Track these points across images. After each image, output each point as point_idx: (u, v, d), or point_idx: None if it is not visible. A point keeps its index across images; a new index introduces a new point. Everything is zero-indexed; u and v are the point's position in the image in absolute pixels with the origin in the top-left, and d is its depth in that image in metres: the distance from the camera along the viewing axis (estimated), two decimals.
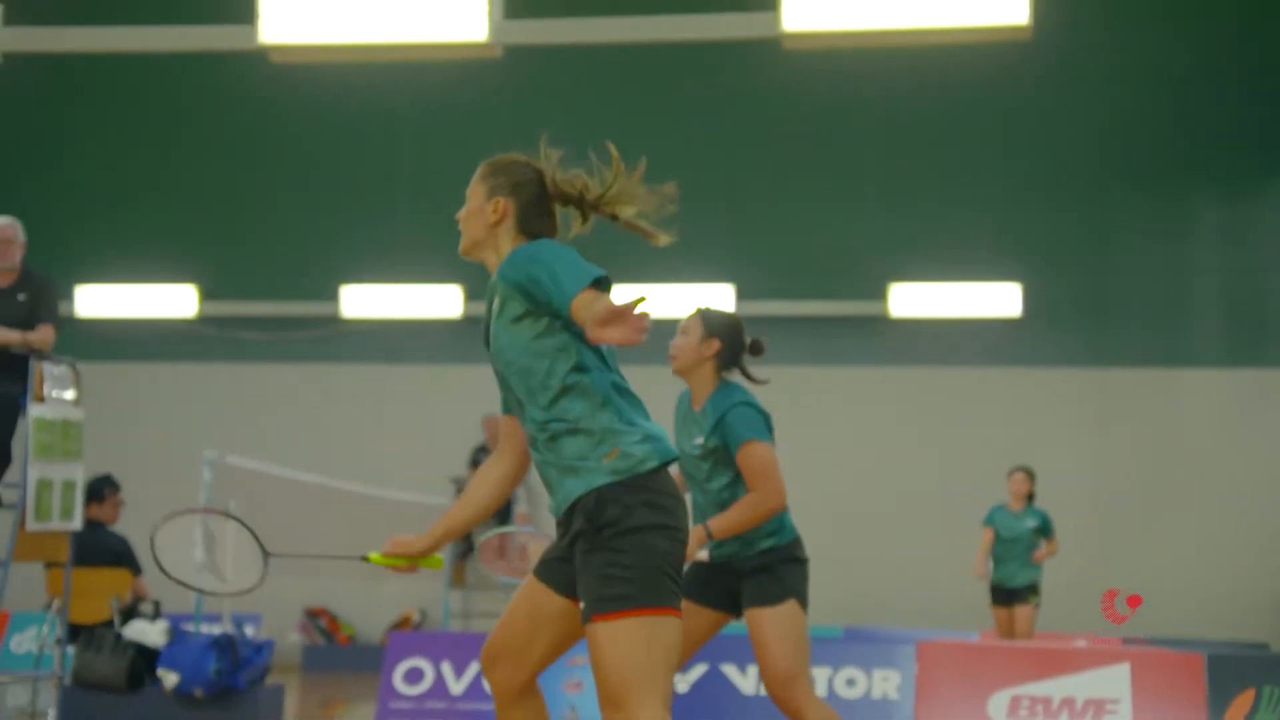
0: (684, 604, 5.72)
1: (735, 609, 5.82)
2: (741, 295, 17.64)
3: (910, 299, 17.57)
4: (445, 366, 18.05)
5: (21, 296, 8.95)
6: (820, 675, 10.01)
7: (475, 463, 17.28)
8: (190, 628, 10.68)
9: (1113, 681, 8.54)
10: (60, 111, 18.97)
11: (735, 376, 5.95)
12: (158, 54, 16.73)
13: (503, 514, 15.63)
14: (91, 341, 17.10)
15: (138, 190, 18.90)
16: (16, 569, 8.80)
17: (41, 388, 8.77)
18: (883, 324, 17.93)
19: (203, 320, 18.63)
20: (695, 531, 5.67)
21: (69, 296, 17.85)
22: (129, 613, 10.68)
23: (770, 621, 5.65)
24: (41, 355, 8.83)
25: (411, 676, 10.19)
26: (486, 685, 4.30)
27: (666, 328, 6.03)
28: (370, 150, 18.71)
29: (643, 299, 3.54)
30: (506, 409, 4.28)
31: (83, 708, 9.91)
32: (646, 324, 3.53)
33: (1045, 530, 12.91)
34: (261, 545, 4.33)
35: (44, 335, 8.86)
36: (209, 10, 13.96)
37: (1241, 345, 17.68)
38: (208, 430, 17.29)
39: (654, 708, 3.85)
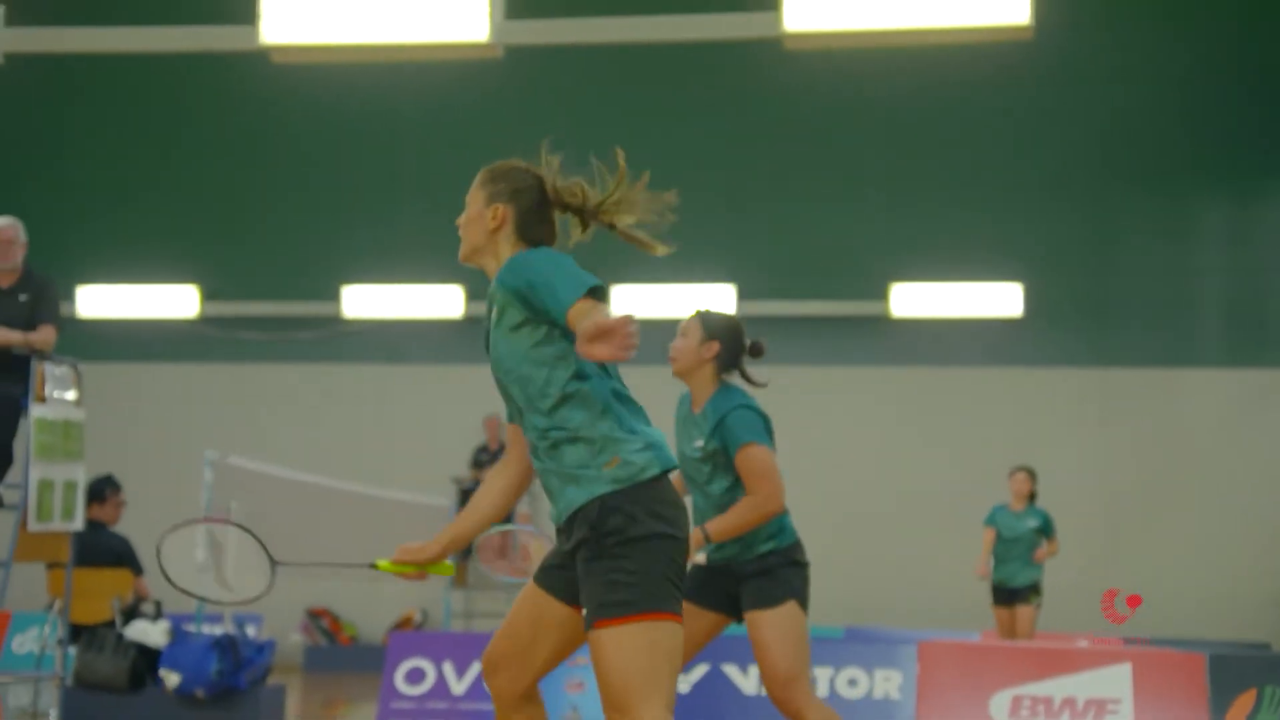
0: (687, 607, 5.72)
1: (735, 612, 5.80)
2: (743, 295, 17.64)
3: (911, 299, 17.57)
4: (447, 366, 18.05)
5: (23, 297, 8.95)
6: (822, 675, 10.01)
7: (477, 463, 17.28)
8: (192, 628, 10.68)
9: (1114, 682, 8.54)
10: (62, 112, 18.98)
11: (736, 379, 5.94)
12: (159, 54, 16.74)
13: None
14: (93, 342, 17.10)
15: (139, 190, 18.91)
16: (18, 569, 8.80)
17: (43, 388, 8.77)
18: (884, 324, 17.93)
19: (204, 320, 18.63)
20: (693, 534, 5.65)
21: (70, 297, 17.86)
22: (130, 613, 10.68)
23: (770, 623, 5.64)
24: (43, 356, 8.83)
25: (413, 677, 10.19)
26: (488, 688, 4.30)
27: (667, 329, 6.02)
28: (371, 150, 18.72)
29: (631, 317, 3.55)
30: (511, 417, 4.30)
31: (84, 708, 9.90)
32: (635, 341, 3.53)
33: (1046, 530, 12.91)
34: (269, 553, 4.31)
35: (45, 336, 8.85)
36: (211, 11, 13.96)
37: (1243, 345, 17.67)
38: (209, 430, 17.29)
39: (657, 712, 3.86)
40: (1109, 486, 17.46)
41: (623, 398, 4.08)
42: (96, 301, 18.34)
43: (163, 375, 18.79)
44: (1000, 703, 8.68)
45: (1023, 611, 12.78)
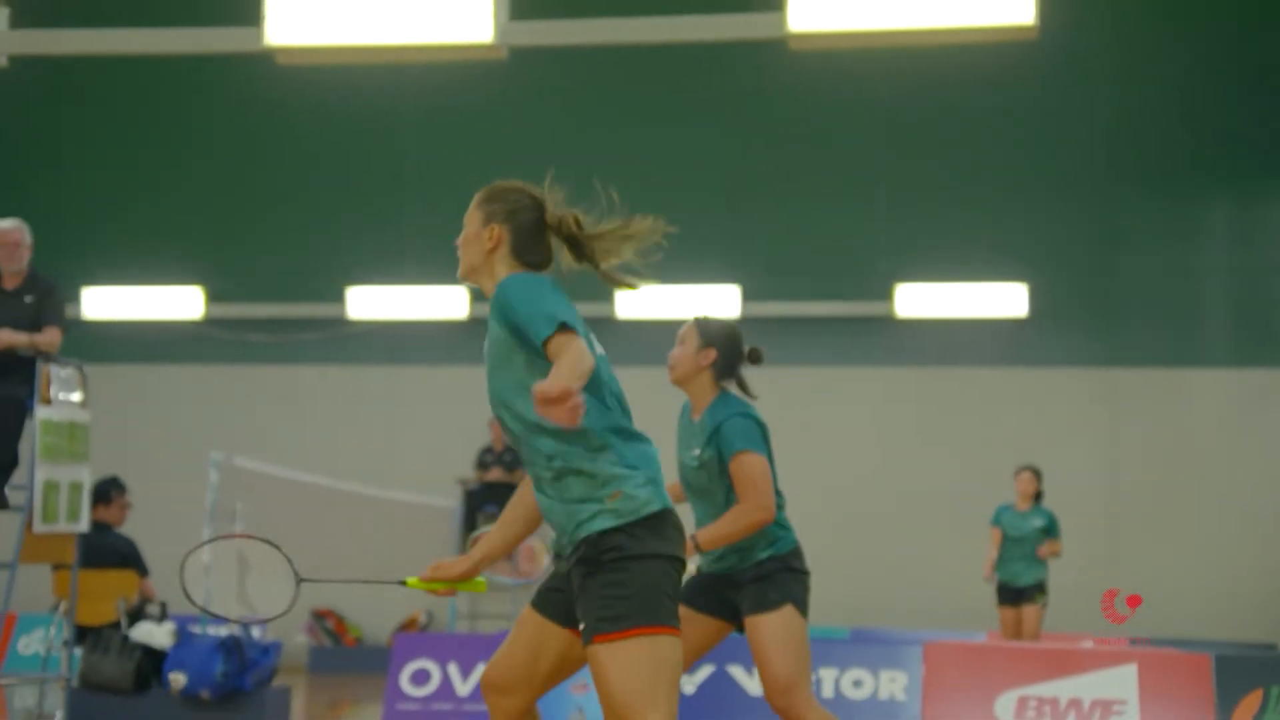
0: (686, 612, 5.69)
1: (736, 619, 5.74)
2: (747, 296, 17.63)
3: (916, 299, 17.56)
4: (452, 368, 18.06)
5: (28, 299, 8.96)
6: (827, 676, 10.00)
7: (482, 464, 17.27)
8: (197, 629, 10.68)
9: (1120, 682, 8.53)
10: (67, 113, 18.99)
11: (734, 387, 5.91)
12: (164, 56, 16.75)
13: None
14: (98, 343, 17.11)
15: (144, 192, 18.92)
16: (23, 571, 8.81)
17: (48, 390, 8.78)
18: (889, 324, 17.92)
19: (209, 322, 18.64)
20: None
21: (75, 298, 17.88)
22: (136, 614, 10.69)
23: (768, 628, 5.58)
24: (48, 357, 8.84)
25: (418, 678, 10.19)
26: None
27: (671, 329, 6.01)
28: (376, 152, 18.73)
29: (570, 390, 3.59)
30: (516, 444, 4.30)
31: (90, 709, 9.91)
32: (579, 412, 3.61)
33: (1051, 530, 12.90)
34: (295, 570, 4.28)
35: (50, 337, 8.86)
36: (215, 12, 13.97)
37: (1249, 345, 17.66)
38: (214, 432, 17.30)
39: None
40: (1114, 486, 17.44)
41: (623, 432, 4.08)
42: (101, 303, 18.35)
43: (168, 377, 18.80)
44: (1006, 703, 8.67)
45: (1029, 611, 12.77)
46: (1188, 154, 17.75)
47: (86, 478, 9.15)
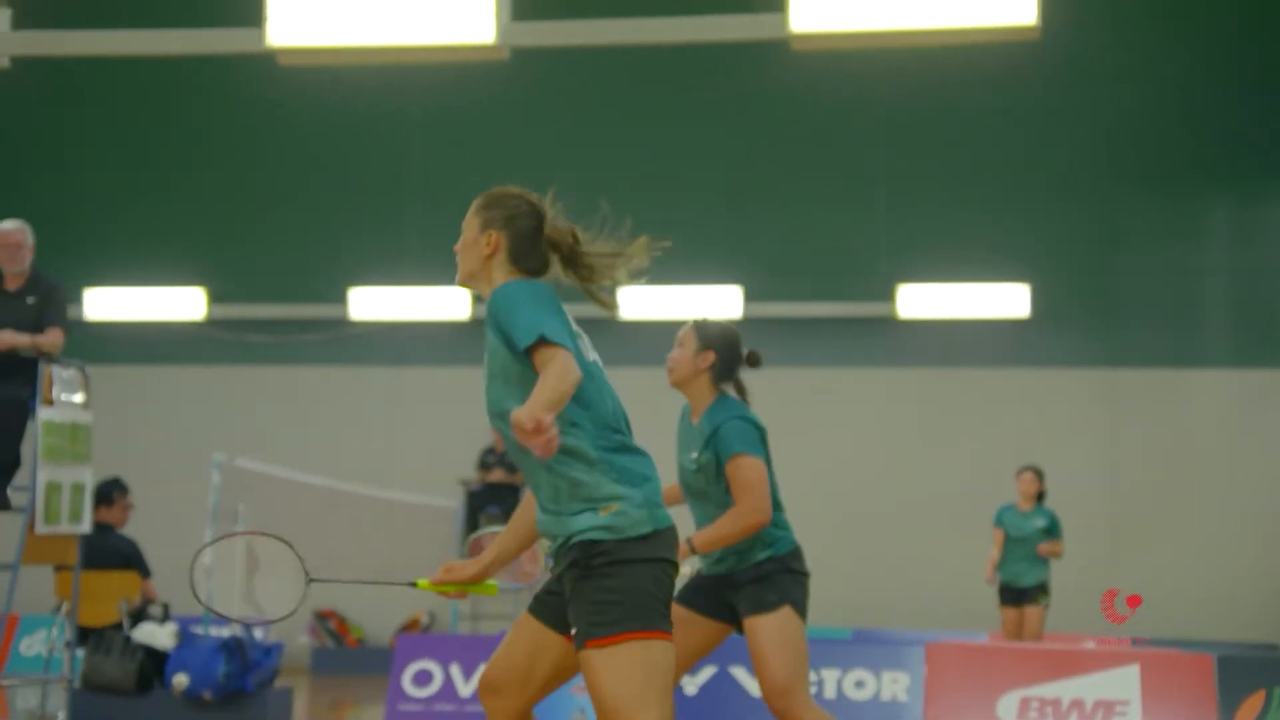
0: (686, 614, 5.71)
1: (736, 621, 5.72)
2: (749, 297, 17.64)
3: (918, 300, 17.56)
4: (454, 369, 18.06)
5: (30, 300, 8.97)
6: (829, 677, 10.00)
7: (484, 465, 17.27)
8: (199, 630, 10.68)
9: (1122, 683, 8.53)
10: (69, 114, 19.00)
11: (733, 389, 5.89)
12: (166, 57, 16.76)
13: (508, 517, 15.61)
14: (100, 344, 17.12)
15: (146, 193, 18.93)
16: (26, 572, 8.81)
17: (50, 391, 8.78)
18: (890, 325, 17.92)
19: (211, 323, 18.65)
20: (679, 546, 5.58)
21: (78, 300, 17.88)
22: (138, 615, 10.68)
23: (766, 630, 5.57)
24: (50, 358, 8.84)
25: (420, 679, 10.19)
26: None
27: (674, 330, 6.01)
28: (378, 152, 18.74)
29: (541, 423, 3.61)
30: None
31: (92, 711, 9.91)
32: (553, 446, 3.66)
33: (1053, 530, 12.90)
34: (306, 570, 4.25)
35: (53, 338, 8.86)
36: (217, 14, 13.97)
37: (1251, 345, 17.65)
38: (216, 433, 17.31)
39: None
40: (1116, 487, 17.44)
41: (619, 447, 4.07)
42: (103, 304, 18.36)
43: (170, 378, 18.81)
44: (1008, 704, 8.67)
45: (1031, 612, 12.77)
46: (1188, 154, 17.75)
47: (89, 479, 9.15)
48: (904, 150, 18.07)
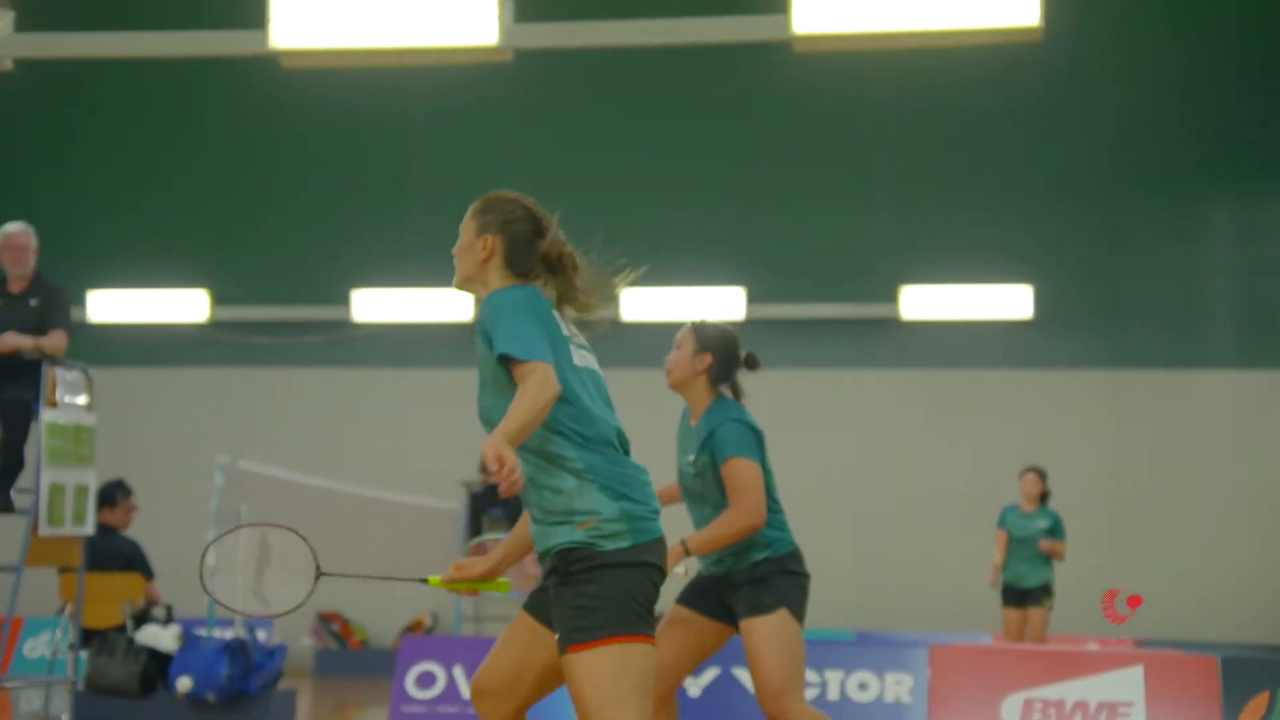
0: (687, 615, 5.72)
1: (735, 622, 5.71)
2: (752, 298, 17.64)
3: (921, 301, 17.56)
4: (456, 370, 18.05)
5: (34, 302, 8.97)
6: (832, 679, 10.00)
7: (486, 467, 17.28)
8: (203, 632, 10.69)
9: (1126, 684, 8.52)
10: (71, 117, 19.02)
11: (730, 391, 5.88)
12: (169, 59, 16.77)
13: (512, 519, 15.62)
14: (103, 346, 17.14)
15: (149, 195, 18.94)
16: (29, 574, 8.81)
17: (54, 393, 8.79)
18: (894, 326, 17.92)
19: (214, 325, 18.66)
20: (672, 548, 5.54)
21: (81, 302, 17.90)
22: (141, 617, 10.69)
23: (761, 631, 5.55)
24: (54, 360, 8.85)
25: (424, 680, 10.19)
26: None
27: (672, 332, 6.01)
28: (380, 154, 18.75)
29: (505, 460, 3.66)
30: None
31: (95, 712, 9.92)
32: (516, 485, 3.71)
33: (1056, 531, 12.89)
34: (318, 563, 4.23)
35: (56, 340, 8.87)
36: (220, 16, 13.99)
37: (1254, 346, 17.65)
38: (219, 435, 17.32)
39: None
40: (1119, 488, 17.44)
41: (608, 457, 4.06)
42: (106, 306, 18.38)
43: (173, 380, 18.83)
44: (1012, 706, 8.66)
45: (1035, 613, 12.76)
46: (1190, 155, 17.75)
47: (92, 481, 9.16)
48: (907, 151, 18.07)
